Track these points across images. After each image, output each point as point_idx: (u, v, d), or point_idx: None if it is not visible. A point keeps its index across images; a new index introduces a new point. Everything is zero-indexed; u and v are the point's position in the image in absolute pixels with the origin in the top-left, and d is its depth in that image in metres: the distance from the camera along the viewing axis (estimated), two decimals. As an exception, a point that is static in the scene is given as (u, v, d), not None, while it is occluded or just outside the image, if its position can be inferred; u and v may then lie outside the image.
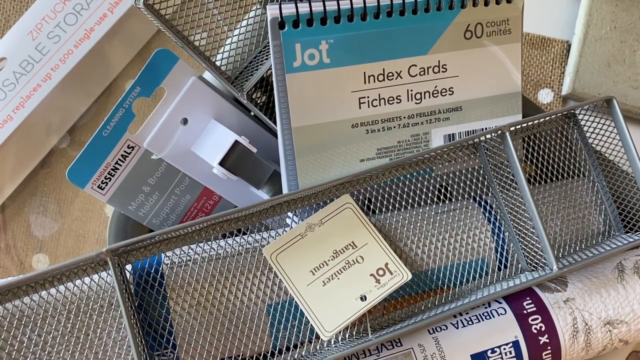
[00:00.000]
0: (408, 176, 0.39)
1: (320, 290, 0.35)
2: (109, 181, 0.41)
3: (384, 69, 0.37)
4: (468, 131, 0.40)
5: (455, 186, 0.41)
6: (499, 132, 0.38)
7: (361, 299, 0.35)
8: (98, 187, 0.41)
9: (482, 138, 0.39)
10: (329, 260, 0.36)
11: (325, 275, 0.35)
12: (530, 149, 0.42)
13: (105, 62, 0.50)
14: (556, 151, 0.42)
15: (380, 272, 0.36)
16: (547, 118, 0.41)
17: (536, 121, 0.40)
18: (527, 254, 0.39)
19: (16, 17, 0.51)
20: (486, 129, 0.40)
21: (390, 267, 0.36)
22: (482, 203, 0.40)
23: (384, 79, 0.37)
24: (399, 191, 0.39)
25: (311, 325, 0.36)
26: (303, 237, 0.36)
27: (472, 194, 0.41)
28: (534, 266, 0.39)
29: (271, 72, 0.36)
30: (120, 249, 0.33)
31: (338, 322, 0.35)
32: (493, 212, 0.40)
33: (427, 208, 0.40)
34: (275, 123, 0.41)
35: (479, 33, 0.38)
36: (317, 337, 0.37)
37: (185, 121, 0.41)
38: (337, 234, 0.36)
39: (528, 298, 0.38)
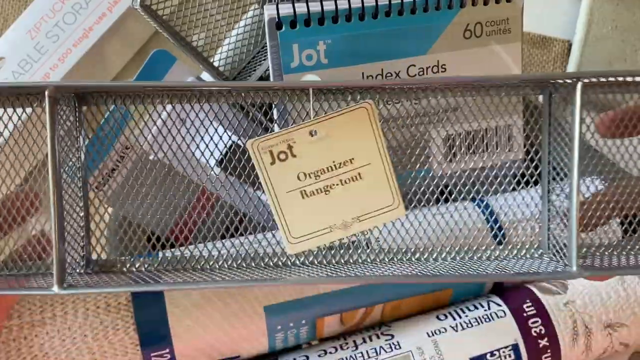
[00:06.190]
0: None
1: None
2: (107, 182, 0.41)
3: (382, 70, 0.37)
4: (468, 131, 0.40)
5: (457, 186, 0.40)
6: (573, 79, 0.31)
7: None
8: (96, 187, 0.40)
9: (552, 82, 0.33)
10: (319, 172, 0.31)
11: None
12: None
13: (104, 61, 0.50)
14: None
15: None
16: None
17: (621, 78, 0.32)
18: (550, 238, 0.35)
19: (15, 16, 0.51)
20: (487, 128, 0.40)
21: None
22: (481, 203, 0.40)
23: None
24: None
25: (306, 320, 0.36)
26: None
27: (472, 194, 0.40)
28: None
29: (269, 73, 0.36)
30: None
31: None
32: (491, 210, 0.39)
33: (426, 209, 0.39)
34: (273, 124, 0.41)
35: (479, 32, 0.38)
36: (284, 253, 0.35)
37: (183, 121, 0.41)
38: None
39: (528, 300, 0.38)
